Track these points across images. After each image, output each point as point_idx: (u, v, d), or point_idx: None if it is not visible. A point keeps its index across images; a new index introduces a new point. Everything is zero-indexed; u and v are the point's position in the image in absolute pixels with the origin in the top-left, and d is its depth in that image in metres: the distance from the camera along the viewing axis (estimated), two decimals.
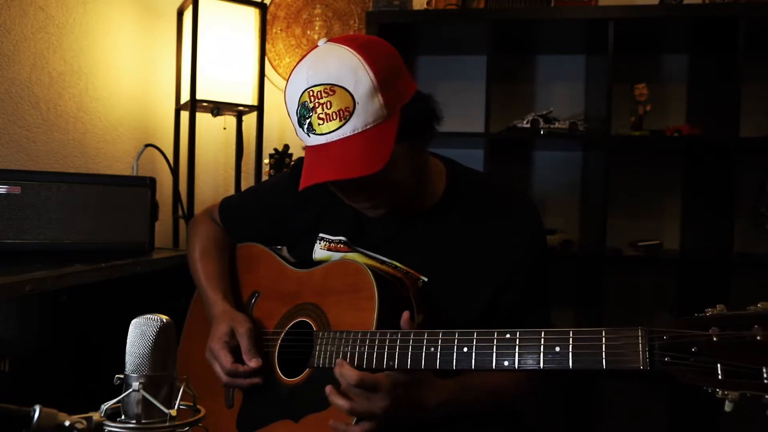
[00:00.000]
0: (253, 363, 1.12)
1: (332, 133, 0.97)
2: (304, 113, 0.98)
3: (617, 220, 2.43)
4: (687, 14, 2.18)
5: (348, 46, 0.99)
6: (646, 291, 2.57)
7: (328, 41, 1.02)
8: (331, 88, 0.96)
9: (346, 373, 0.96)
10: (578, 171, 2.61)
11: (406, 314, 0.98)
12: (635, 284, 2.56)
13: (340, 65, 0.97)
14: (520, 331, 0.86)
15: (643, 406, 2.52)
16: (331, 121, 0.96)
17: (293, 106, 1.01)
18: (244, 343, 1.14)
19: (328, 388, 0.99)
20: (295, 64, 1.07)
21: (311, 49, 1.03)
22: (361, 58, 0.97)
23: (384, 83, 0.97)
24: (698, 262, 2.37)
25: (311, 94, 0.97)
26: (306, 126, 0.99)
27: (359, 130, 0.96)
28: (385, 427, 0.98)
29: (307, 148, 1.03)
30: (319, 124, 0.97)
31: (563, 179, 2.62)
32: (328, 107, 0.96)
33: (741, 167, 2.17)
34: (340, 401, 0.97)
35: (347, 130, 0.96)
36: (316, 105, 0.96)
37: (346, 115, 0.96)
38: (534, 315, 1.12)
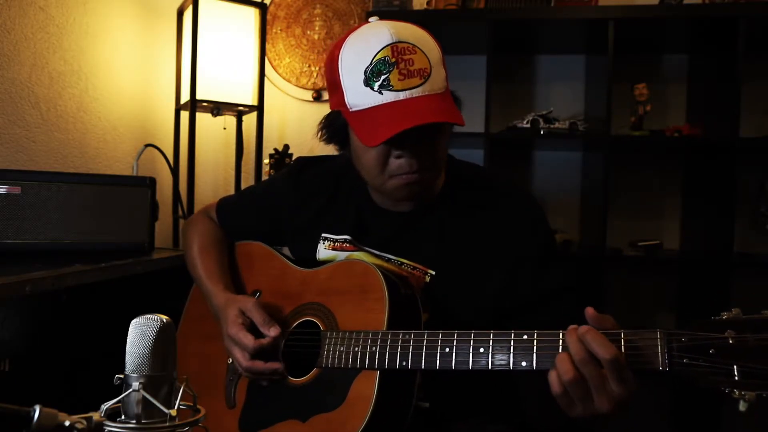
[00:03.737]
0: (272, 332, 1.10)
1: (413, 90, 0.98)
2: (380, 68, 0.99)
3: (617, 220, 2.44)
4: (687, 14, 2.19)
5: (409, 22, 1.06)
6: (646, 291, 2.57)
7: (379, 20, 1.07)
8: (414, 48, 0.99)
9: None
10: (578, 171, 2.61)
11: (590, 309, 0.86)
12: (635, 284, 2.56)
13: (416, 30, 1.03)
14: (537, 333, 0.86)
15: (645, 405, 2.51)
16: (412, 78, 0.98)
17: (363, 63, 0.99)
18: (257, 317, 1.12)
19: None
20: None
21: (361, 25, 1.07)
22: (426, 32, 1.05)
23: (443, 58, 1.04)
24: (698, 262, 2.37)
25: (395, 49, 0.99)
26: (380, 82, 0.99)
27: (435, 92, 1.00)
28: None
29: (366, 110, 1.00)
30: (399, 80, 0.98)
31: (563, 179, 2.62)
32: (411, 64, 0.98)
33: (741, 167, 2.17)
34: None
35: (426, 89, 0.99)
36: (399, 60, 0.98)
37: (425, 74, 0.99)
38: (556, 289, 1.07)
